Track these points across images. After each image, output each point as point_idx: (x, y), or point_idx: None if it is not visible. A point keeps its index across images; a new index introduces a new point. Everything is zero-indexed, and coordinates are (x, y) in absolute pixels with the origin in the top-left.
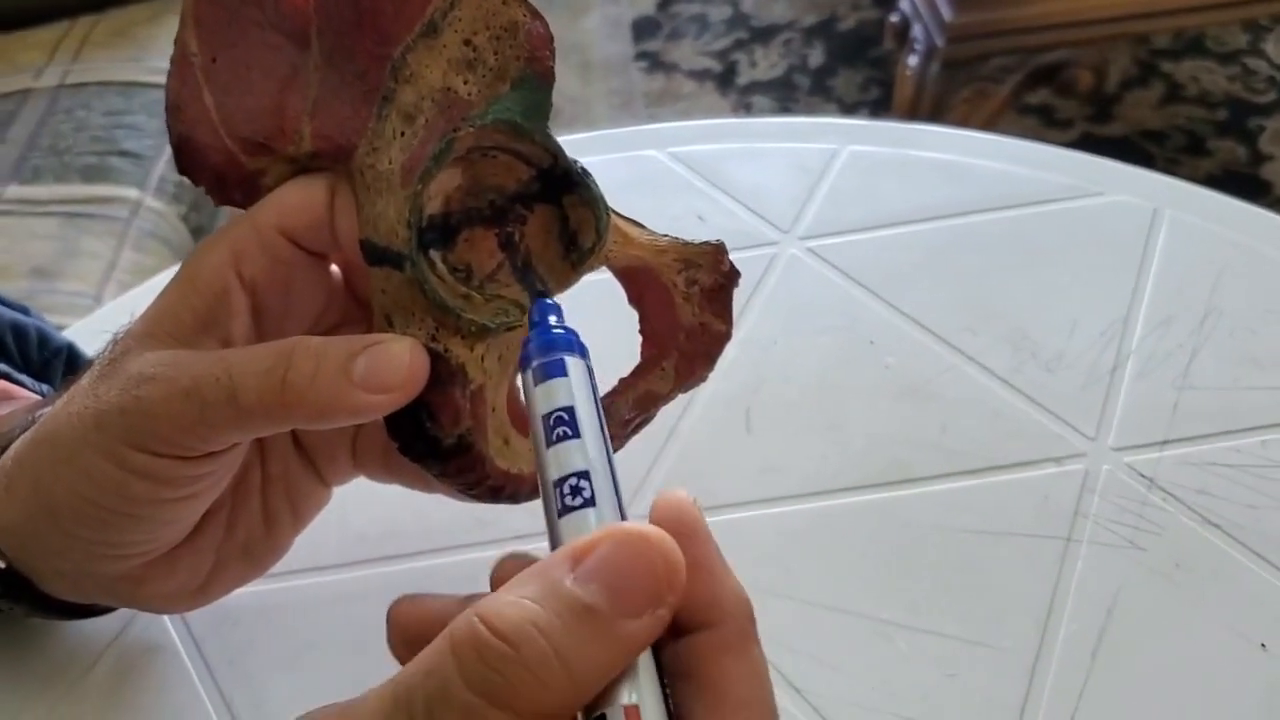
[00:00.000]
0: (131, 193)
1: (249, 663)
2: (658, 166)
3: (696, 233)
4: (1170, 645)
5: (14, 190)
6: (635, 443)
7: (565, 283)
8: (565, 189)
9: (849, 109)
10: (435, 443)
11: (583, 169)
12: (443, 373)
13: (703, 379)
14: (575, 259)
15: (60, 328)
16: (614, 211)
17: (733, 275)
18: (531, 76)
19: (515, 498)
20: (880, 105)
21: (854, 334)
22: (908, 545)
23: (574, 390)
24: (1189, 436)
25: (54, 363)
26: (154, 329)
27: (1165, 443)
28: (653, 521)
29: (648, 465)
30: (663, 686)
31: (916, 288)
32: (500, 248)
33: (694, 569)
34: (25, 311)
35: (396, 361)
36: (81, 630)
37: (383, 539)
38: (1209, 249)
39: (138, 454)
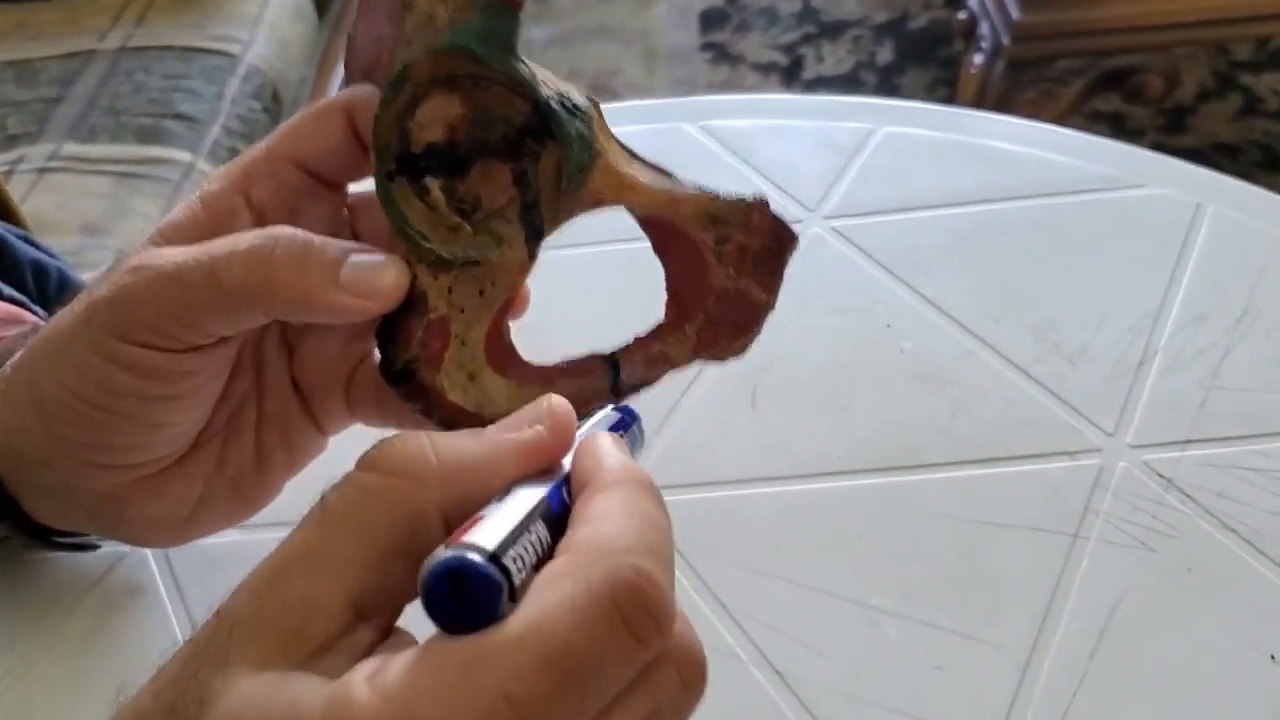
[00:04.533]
0: (184, 156)
1: None
2: (688, 140)
3: None
4: (1174, 651)
5: (70, 148)
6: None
7: (554, 223)
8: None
9: None
10: (389, 365)
11: (566, 104)
12: (407, 298)
13: (735, 354)
14: (557, 201)
15: None
16: (634, 155)
17: (783, 238)
18: (492, 3)
19: None
20: (945, 105)
21: (872, 316)
22: (908, 532)
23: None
24: (1213, 437)
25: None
26: (157, 240)
27: (1188, 442)
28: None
29: (647, 438)
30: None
31: (941, 272)
32: (514, 183)
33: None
34: (50, 255)
35: (382, 275)
36: (67, 568)
37: None
38: (1251, 246)
39: (122, 344)
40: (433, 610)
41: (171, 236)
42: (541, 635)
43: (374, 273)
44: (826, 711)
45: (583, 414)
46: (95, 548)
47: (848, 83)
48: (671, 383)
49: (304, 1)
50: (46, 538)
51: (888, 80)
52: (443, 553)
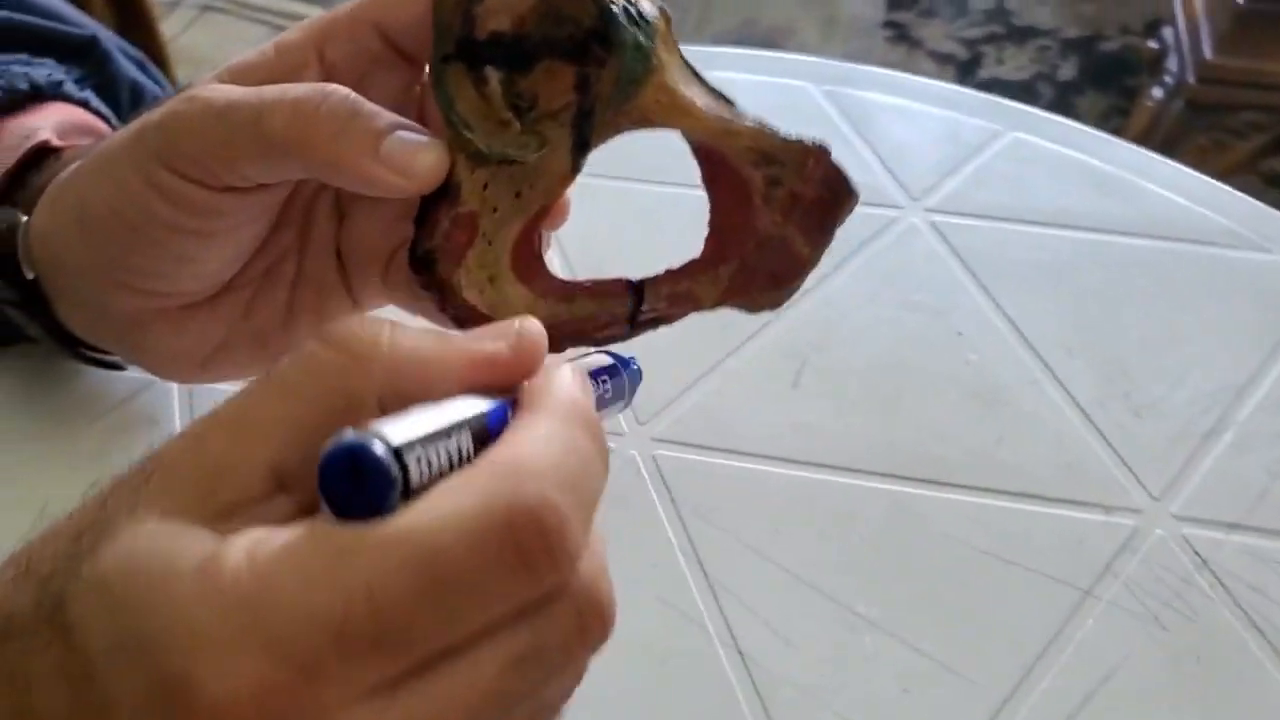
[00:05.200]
0: None
1: None
2: (807, 101)
3: None
4: None
5: None
6: (673, 364)
7: (601, 137)
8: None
9: None
10: (413, 250)
11: (631, 11)
12: (442, 185)
13: (767, 306)
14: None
15: None
16: (698, 77)
17: (840, 192)
18: None
19: None
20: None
21: (945, 319)
22: (914, 547)
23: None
24: (1266, 529)
25: None
26: (223, 77)
27: (1236, 526)
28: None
29: (679, 390)
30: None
31: (1028, 291)
32: (574, 88)
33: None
34: (157, 84)
35: (422, 155)
36: (92, 384)
37: None
38: None
39: (163, 171)
40: (325, 490)
41: (238, 76)
42: (421, 538)
43: (414, 152)
44: (778, 701)
45: (595, 338)
46: (121, 368)
47: (1022, 91)
48: (719, 341)
49: None
50: (75, 349)
51: (1064, 98)
52: (348, 433)
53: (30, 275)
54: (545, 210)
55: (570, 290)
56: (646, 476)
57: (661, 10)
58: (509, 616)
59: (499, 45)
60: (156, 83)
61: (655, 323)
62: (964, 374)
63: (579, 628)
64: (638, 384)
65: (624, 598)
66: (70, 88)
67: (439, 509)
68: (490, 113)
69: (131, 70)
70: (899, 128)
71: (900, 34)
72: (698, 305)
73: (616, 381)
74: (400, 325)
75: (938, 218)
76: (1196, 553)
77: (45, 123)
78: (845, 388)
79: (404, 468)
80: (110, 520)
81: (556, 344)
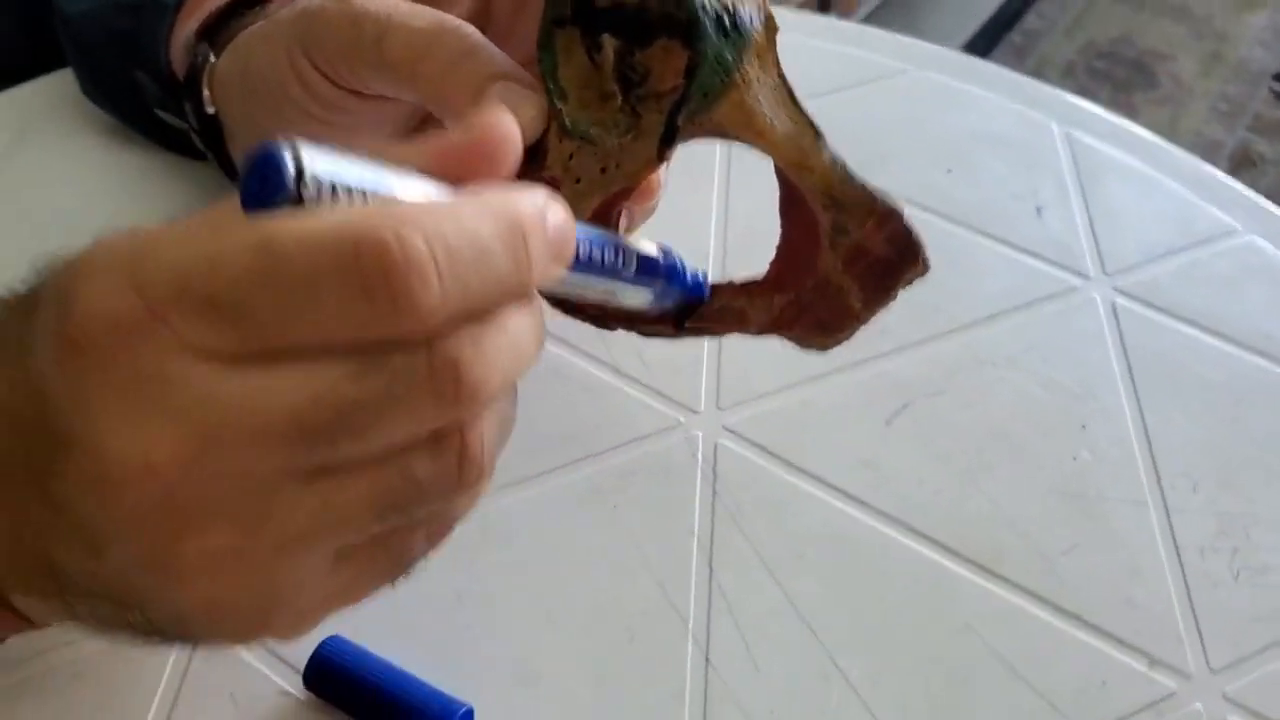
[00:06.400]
0: None
1: None
2: (1040, 138)
3: (1018, 224)
4: None
5: None
6: (778, 361)
7: (682, 134)
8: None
9: None
10: None
11: (723, 20)
12: (534, 145)
13: (813, 348)
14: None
15: None
16: (792, 98)
17: (906, 257)
18: None
19: None
20: None
21: (1075, 407)
22: (929, 623)
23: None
24: None
25: None
26: None
27: None
28: None
29: (772, 387)
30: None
31: (1180, 408)
32: (685, 73)
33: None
34: None
35: (520, 111)
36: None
37: None
38: None
39: (301, 58)
40: (242, 178)
41: None
42: (274, 231)
43: (513, 106)
44: (719, 717)
45: (643, 329)
46: None
47: None
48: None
49: None
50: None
51: None
52: (278, 139)
53: (210, 110)
54: (628, 190)
55: None
56: (700, 459)
57: (767, 20)
58: (348, 340)
59: (619, 14)
60: None
61: (700, 332)
62: (1067, 468)
63: (432, 387)
64: (686, 289)
65: (626, 566)
66: None
67: (307, 220)
68: (596, 82)
69: None
70: (1126, 191)
71: None
72: (745, 327)
73: (645, 272)
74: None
75: (1122, 300)
76: None
77: None
78: (937, 442)
79: (302, 183)
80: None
81: (607, 324)
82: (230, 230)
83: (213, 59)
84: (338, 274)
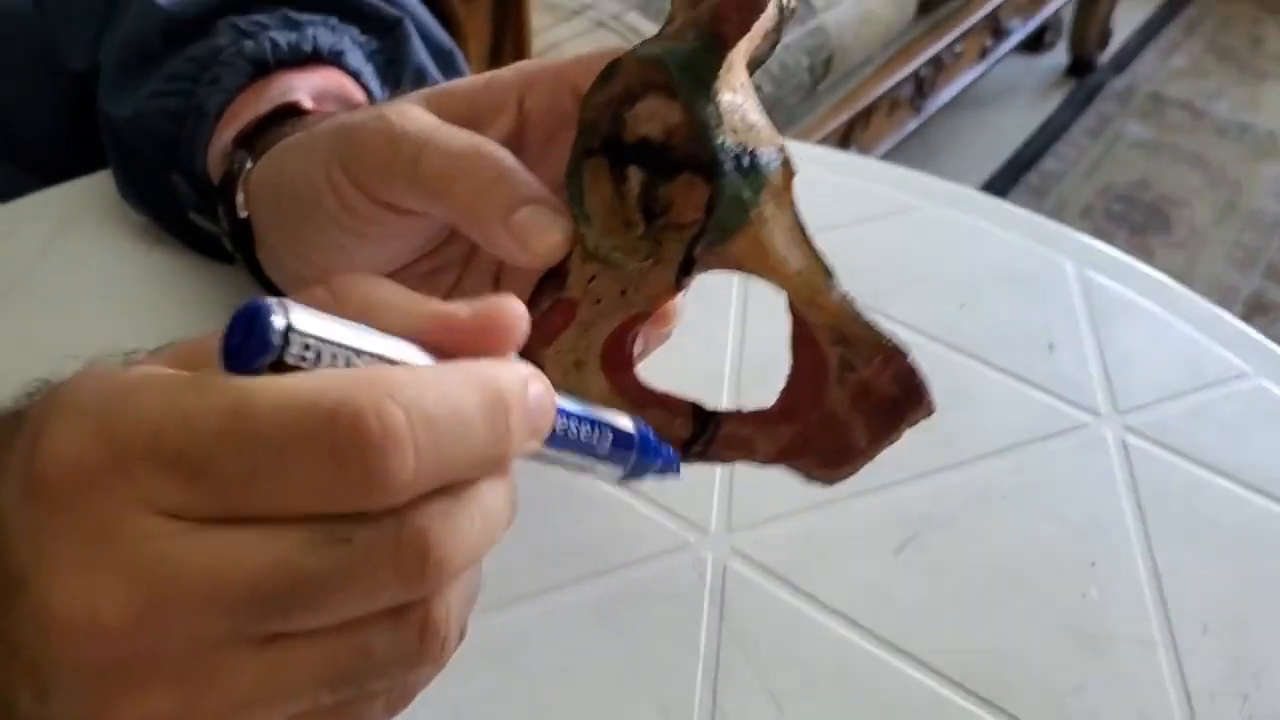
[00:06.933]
0: None
1: None
2: (1054, 276)
3: (1029, 360)
4: None
5: (631, 17)
6: (788, 484)
7: (700, 265)
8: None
9: None
10: None
11: (742, 161)
12: (557, 266)
13: (819, 481)
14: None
15: None
16: (805, 237)
17: (912, 398)
18: (708, 34)
19: None
20: None
21: (1083, 544)
22: None
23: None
24: None
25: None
26: (433, 96)
27: None
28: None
29: (781, 511)
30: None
31: (1193, 549)
32: (705, 208)
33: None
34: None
35: (546, 235)
36: None
37: None
38: None
39: (338, 170)
40: (224, 336)
41: (443, 99)
42: (249, 394)
43: (540, 229)
44: None
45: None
46: None
47: None
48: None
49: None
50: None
51: None
52: (263, 298)
53: (243, 214)
54: (646, 313)
55: (644, 395)
56: (708, 580)
57: (785, 162)
58: (315, 509)
59: (647, 150)
60: (458, 76)
61: (705, 458)
62: (1076, 606)
63: (396, 564)
64: (655, 467)
65: (628, 687)
66: (350, 58)
67: (285, 383)
68: (620, 211)
69: (422, 57)
70: (1136, 331)
71: None
72: (751, 456)
73: (619, 447)
74: (388, 283)
75: (1132, 439)
76: None
77: (308, 85)
78: (945, 574)
79: (287, 344)
80: None
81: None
82: (206, 388)
83: (249, 165)
84: (310, 442)
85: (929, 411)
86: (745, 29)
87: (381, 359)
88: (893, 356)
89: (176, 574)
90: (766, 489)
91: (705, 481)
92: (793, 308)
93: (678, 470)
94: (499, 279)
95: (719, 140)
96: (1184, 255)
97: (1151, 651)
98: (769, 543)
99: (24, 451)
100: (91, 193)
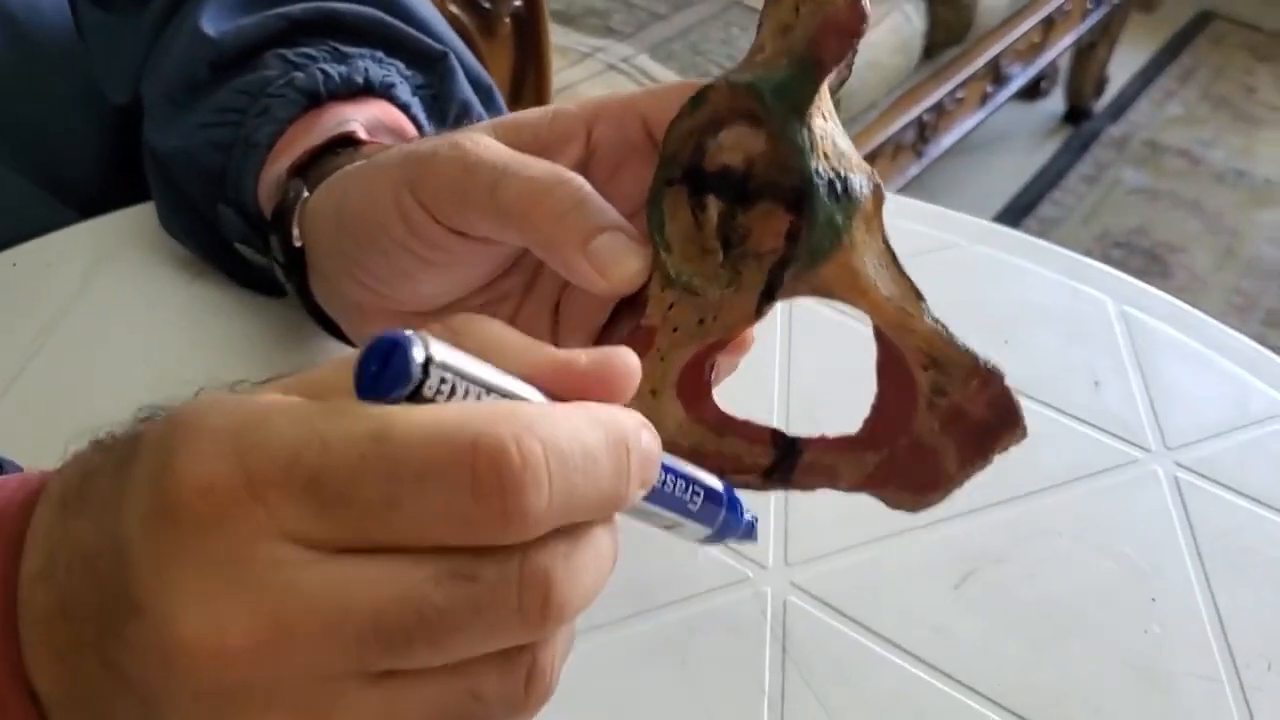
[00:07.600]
0: None
1: None
2: (1096, 313)
3: (1076, 397)
4: None
5: (642, 60)
6: (848, 519)
7: (787, 293)
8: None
9: None
10: (595, 341)
11: (835, 186)
12: (635, 294)
13: (902, 507)
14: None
15: None
16: (895, 262)
17: (1006, 421)
18: (805, 60)
19: None
20: None
21: (1142, 582)
22: None
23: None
24: None
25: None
26: (500, 127)
27: None
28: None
29: (840, 546)
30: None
31: (1252, 587)
32: (785, 235)
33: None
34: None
35: (624, 263)
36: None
37: None
38: None
39: (410, 198)
40: (359, 364)
41: (511, 130)
42: (391, 422)
43: (618, 257)
44: None
45: (731, 478)
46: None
47: None
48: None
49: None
50: (317, 315)
51: None
52: (404, 330)
53: (298, 244)
54: (723, 342)
55: (723, 423)
56: (769, 617)
57: (875, 189)
58: (449, 541)
59: (727, 178)
60: (497, 111)
61: (787, 485)
62: (1138, 643)
63: (519, 604)
64: (738, 532)
65: (693, 718)
66: (400, 90)
67: (425, 412)
68: (699, 239)
69: (467, 92)
70: (1182, 369)
71: None
72: (834, 483)
73: (709, 504)
74: (505, 326)
75: (1184, 475)
76: None
77: (361, 116)
78: (1005, 612)
79: (426, 374)
80: None
81: None
82: (345, 415)
83: (305, 194)
84: (450, 471)
85: (1023, 436)
86: (843, 55)
87: (511, 396)
88: (989, 380)
89: (305, 603)
90: (822, 524)
91: (761, 516)
92: (880, 333)
93: (755, 538)
94: (558, 312)
95: (813, 165)
96: (1184, 301)
97: (1217, 688)
98: (827, 577)
99: (151, 475)
100: (131, 225)
